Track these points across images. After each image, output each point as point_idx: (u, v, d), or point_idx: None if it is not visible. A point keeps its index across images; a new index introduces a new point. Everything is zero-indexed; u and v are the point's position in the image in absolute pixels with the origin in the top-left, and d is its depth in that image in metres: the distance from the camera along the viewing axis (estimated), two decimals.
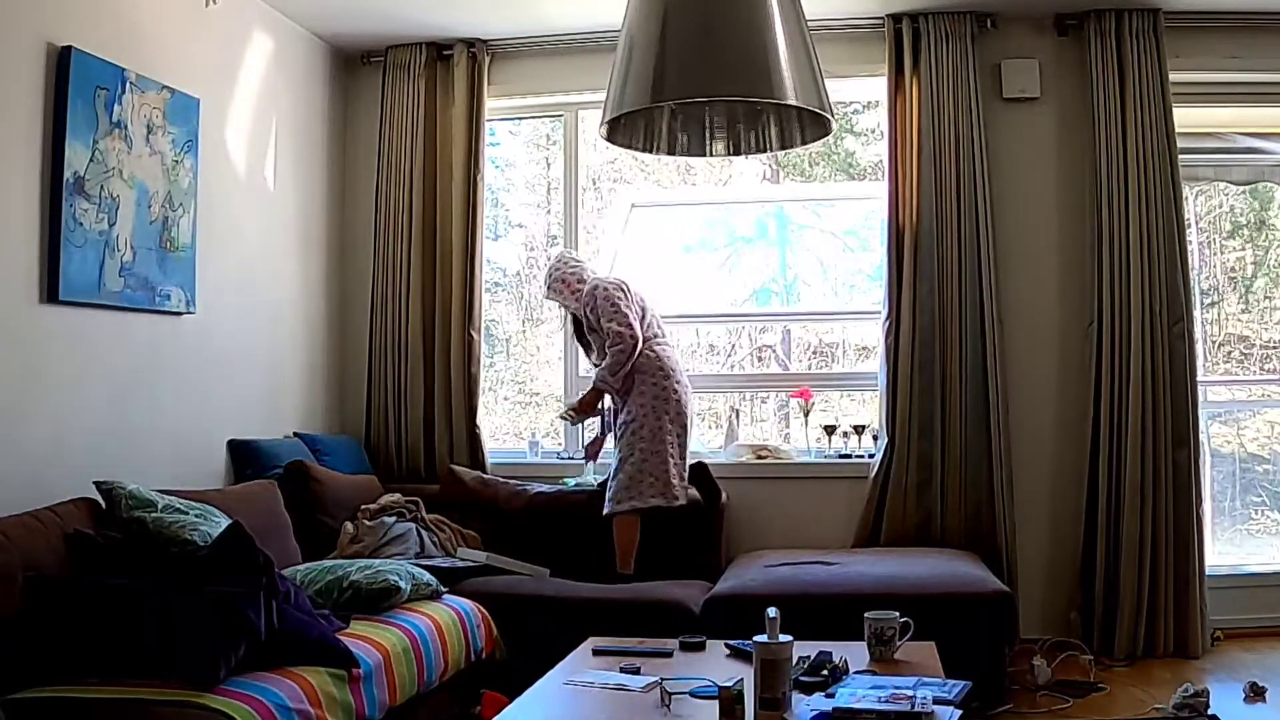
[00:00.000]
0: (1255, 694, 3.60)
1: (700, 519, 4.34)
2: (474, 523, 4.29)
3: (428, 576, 3.51)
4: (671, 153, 3.17)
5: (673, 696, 2.41)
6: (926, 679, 2.44)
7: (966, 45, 4.48)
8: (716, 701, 2.26)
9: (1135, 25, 4.39)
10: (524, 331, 5.45)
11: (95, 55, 3.36)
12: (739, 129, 3.11)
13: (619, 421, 4.20)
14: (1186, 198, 4.63)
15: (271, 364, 4.44)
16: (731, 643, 2.87)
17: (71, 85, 3.26)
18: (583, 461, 4.59)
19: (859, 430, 4.66)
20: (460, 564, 3.97)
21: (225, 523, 2.97)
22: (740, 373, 5.38)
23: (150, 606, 2.53)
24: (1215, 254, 5.05)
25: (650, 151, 3.12)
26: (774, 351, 5.18)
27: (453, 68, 4.81)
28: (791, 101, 2.68)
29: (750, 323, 5.36)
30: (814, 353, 5.12)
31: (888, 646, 2.75)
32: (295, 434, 4.51)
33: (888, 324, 4.48)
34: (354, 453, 4.65)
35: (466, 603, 3.54)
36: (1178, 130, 4.39)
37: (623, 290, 4.21)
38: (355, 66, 5.01)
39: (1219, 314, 5.04)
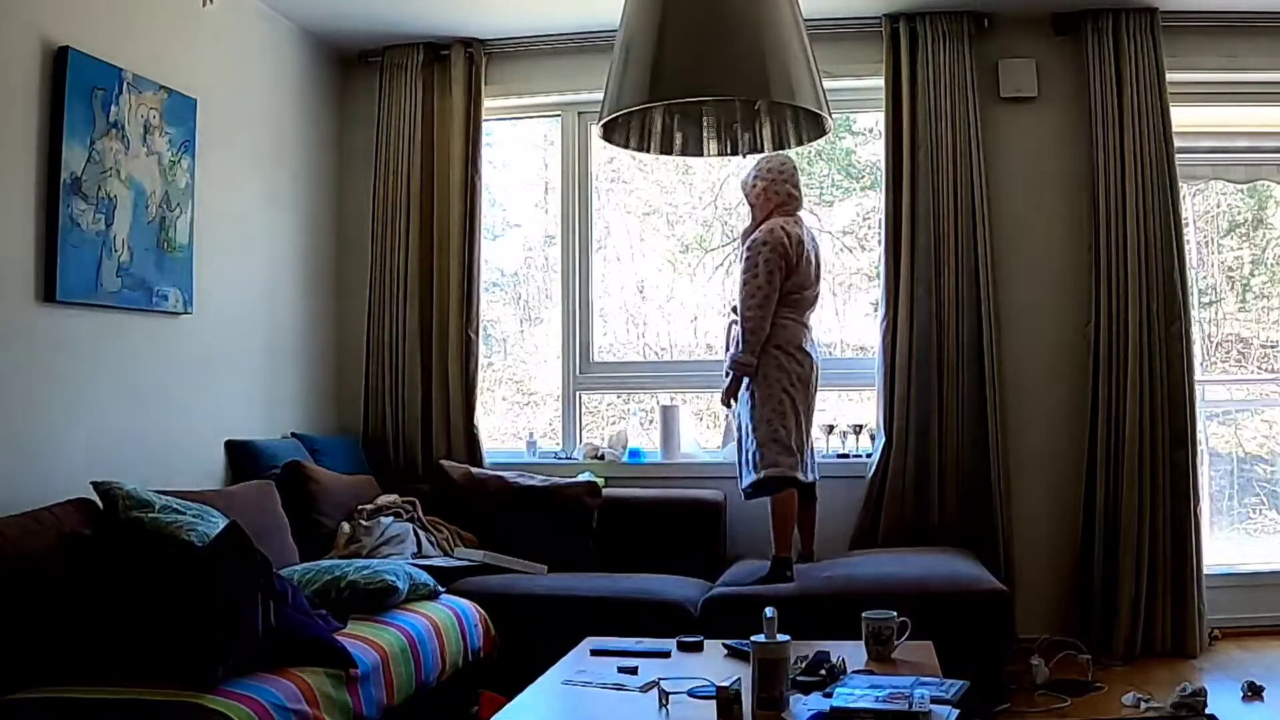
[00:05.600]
0: (1253, 693, 3.60)
1: (700, 519, 4.35)
2: (464, 518, 4.29)
3: (425, 576, 3.51)
4: (668, 152, 3.16)
5: (670, 696, 2.40)
6: (924, 678, 2.45)
7: (964, 45, 4.49)
8: (714, 701, 2.26)
9: (1132, 25, 4.39)
10: (522, 331, 5.45)
11: (92, 55, 3.36)
12: (736, 128, 3.11)
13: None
14: (1184, 197, 4.64)
15: (269, 364, 4.44)
16: (729, 642, 2.87)
17: (69, 85, 3.25)
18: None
19: (857, 430, 4.66)
20: (458, 563, 3.97)
21: (223, 523, 2.97)
22: None
23: (147, 607, 2.53)
24: (1213, 253, 5.06)
25: (647, 151, 3.12)
26: None
27: (450, 67, 4.81)
28: (789, 101, 2.68)
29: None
30: None
31: (885, 646, 2.75)
32: (293, 434, 4.51)
33: (885, 323, 4.48)
34: (352, 453, 4.65)
35: (464, 602, 3.54)
36: (1175, 129, 4.39)
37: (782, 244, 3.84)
38: (352, 66, 5.01)
39: (1217, 313, 5.04)
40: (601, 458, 4.76)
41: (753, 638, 2.31)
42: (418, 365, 4.76)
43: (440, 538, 4.15)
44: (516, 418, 5.38)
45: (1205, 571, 4.31)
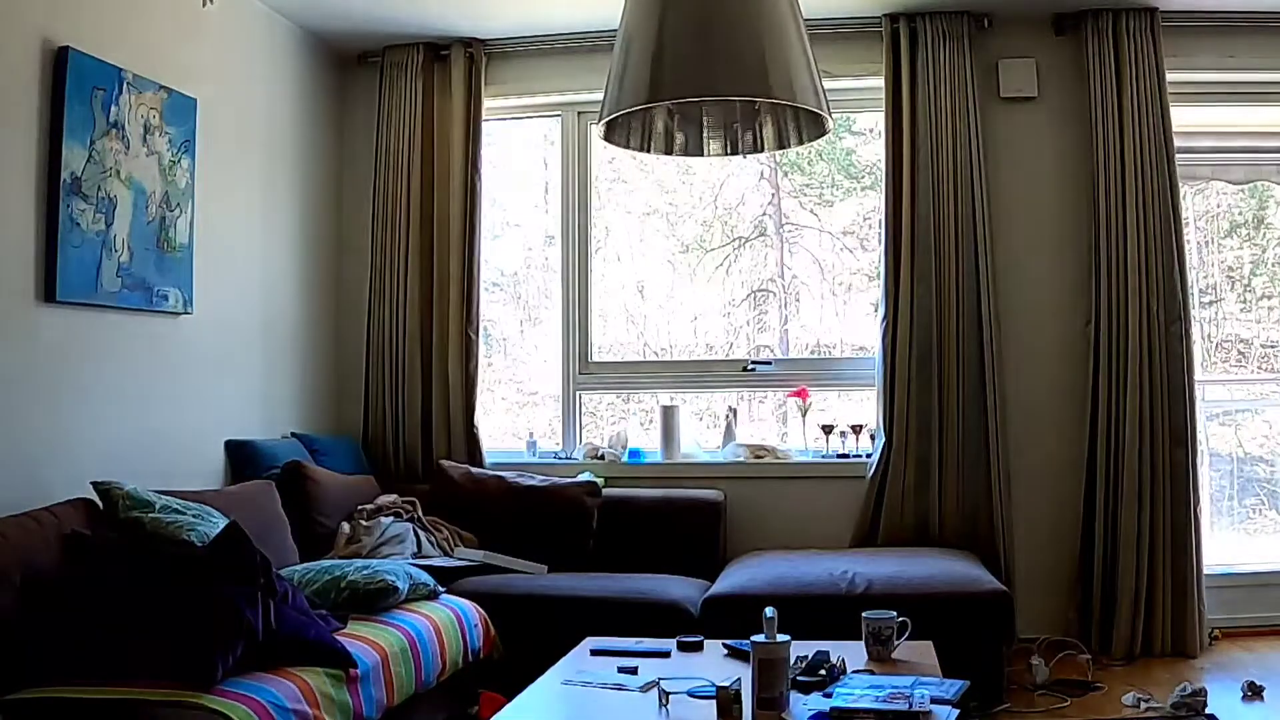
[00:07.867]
0: (1253, 693, 3.60)
1: (700, 519, 4.36)
2: (464, 518, 4.29)
3: (425, 576, 3.51)
4: (669, 152, 3.17)
5: (670, 696, 2.40)
6: (924, 678, 2.45)
7: (964, 45, 4.48)
8: (714, 701, 2.26)
9: (1132, 25, 4.39)
10: (522, 331, 5.44)
11: (92, 55, 3.36)
12: (736, 129, 3.11)
13: None
14: (1184, 196, 4.63)
15: (269, 364, 4.44)
16: (729, 642, 2.87)
17: (69, 85, 3.25)
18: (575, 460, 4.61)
19: (856, 430, 4.66)
20: (458, 563, 3.97)
21: (222, 523, 2.97)
22: (738, 372, 5.37)
23: (147, 607, 2.53)
24: (1213, 253, 5.06)
25: (647, 151, 3.12)
26: (771, 351, 5.18)
27: (450, 67, 4.81)
28: (789, 101, 2.69)
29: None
30: (811, 352, 5.12)
31: (885, 646, 2.75)
32: (293, 434, 4.51)
33: (885, 323, 4.48)
34: (352, 453, 4.65)
35: (464, 603, 3.54)
36: (1175, 129, 4.39)
37: None
38: (352, 66, 5.01)
39: (1217, 313, 5.04)
40: (601, 458, 4.76)
41: (753, 638, 2.31)
42: (418, 365, 4.76)
43: (440, 538, 4.15)
44: (516, 418, 5.37)
45: (1205, 571, 4.31)
